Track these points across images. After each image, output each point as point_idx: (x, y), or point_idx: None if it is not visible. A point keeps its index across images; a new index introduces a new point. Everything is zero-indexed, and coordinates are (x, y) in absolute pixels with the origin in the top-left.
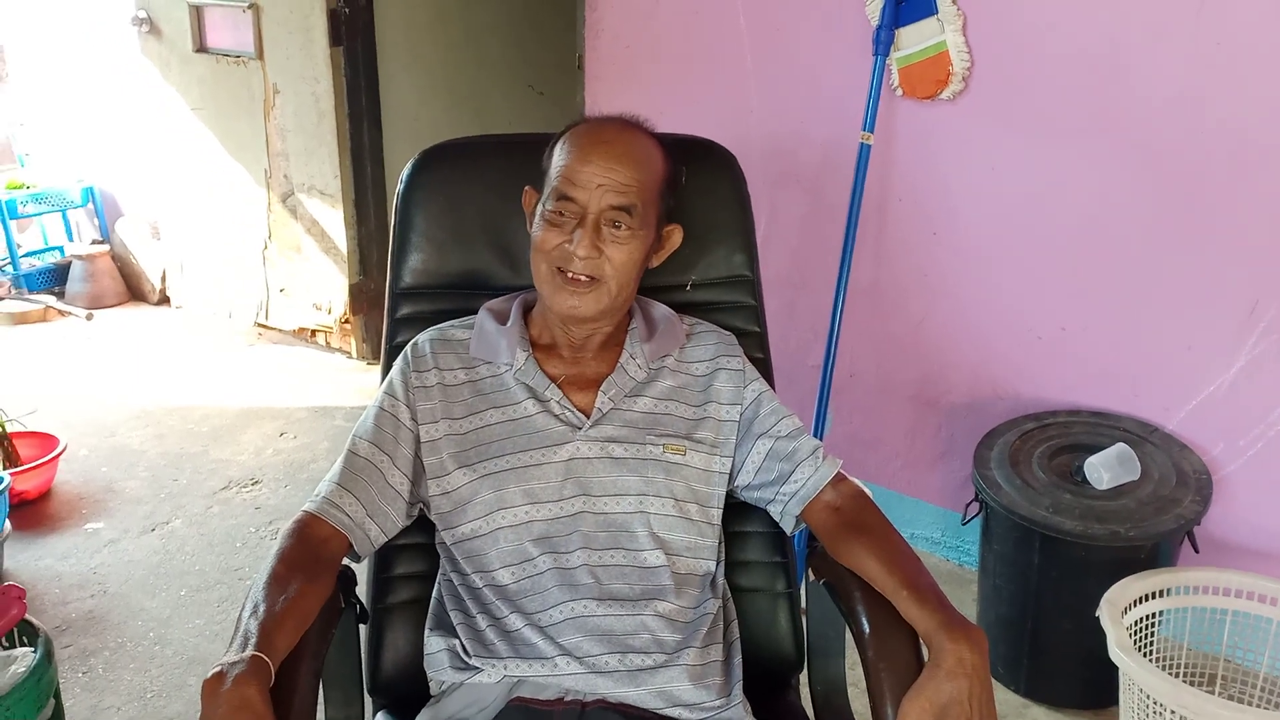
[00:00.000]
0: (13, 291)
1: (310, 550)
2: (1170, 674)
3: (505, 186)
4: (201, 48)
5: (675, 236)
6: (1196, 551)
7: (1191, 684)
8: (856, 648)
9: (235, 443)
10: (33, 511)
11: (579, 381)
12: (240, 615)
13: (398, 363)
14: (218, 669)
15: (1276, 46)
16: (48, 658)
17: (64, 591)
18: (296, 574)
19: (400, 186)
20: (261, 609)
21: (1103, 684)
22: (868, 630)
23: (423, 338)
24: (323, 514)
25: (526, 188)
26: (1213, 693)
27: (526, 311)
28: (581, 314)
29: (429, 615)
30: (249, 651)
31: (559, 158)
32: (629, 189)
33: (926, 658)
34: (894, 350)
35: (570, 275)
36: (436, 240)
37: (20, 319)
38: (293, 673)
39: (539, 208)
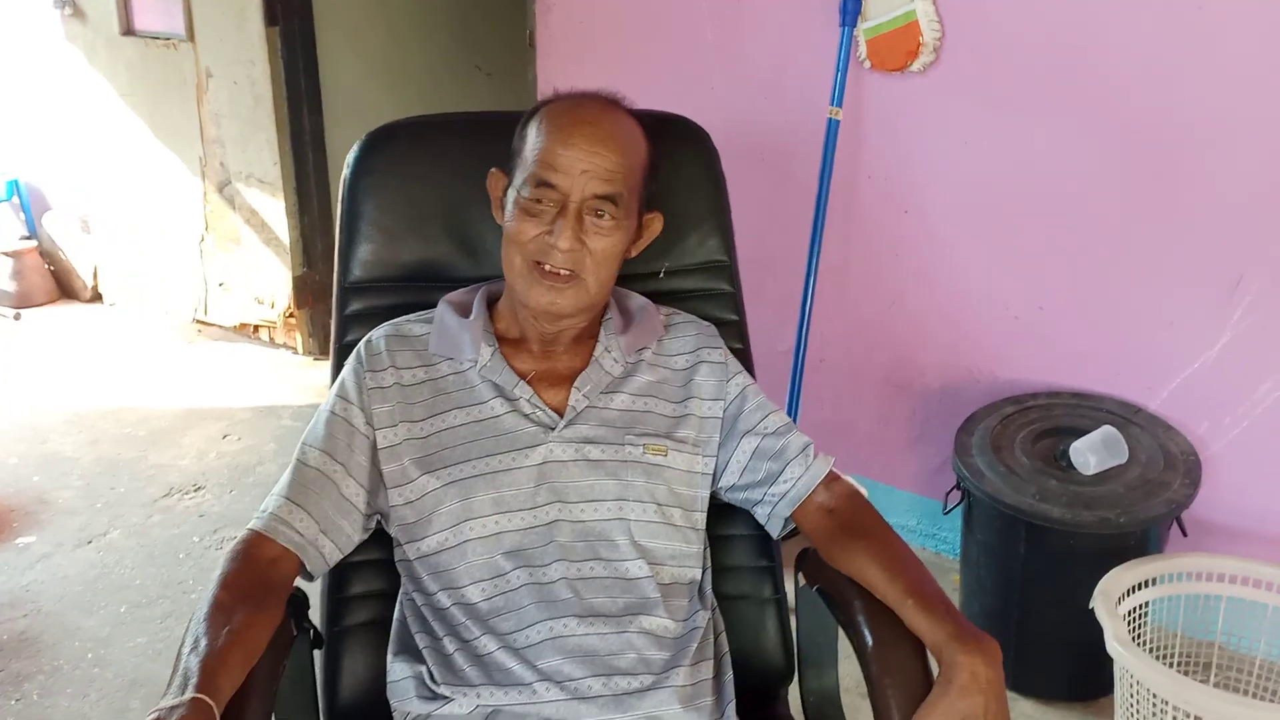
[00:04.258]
0: None
1: (257, 573)
2: (1164, 663)
3: (463, 169)
4: (129, 30)
5: (656, 224)
6: (1185, 535)
7: (1186, 672)
8: (858, 661)
9: (176, 446)
10: None
11: (550, 378)
12: (180, 651)
13: (349, 362)
14: (155, 715)
15: (1252, 14)
16: None
17: None
18: (242, 602)
19: (346, 171)
20: (203, 644)
21: (1092, 675)
22: (870, 643)
23: (377, 334)
24: (271, 532)
25: (493, 170)
26: (1207, 680)
27: (491, 304)
28: (559, 309)
29: (391, 639)
30: (189, 694)
31: (535, 139)
32: (615, 176)
33: (936, 672)
34: (865, 333)
35: (548, 269)
36: (388, 229)
37: None
38: (240, 713)
39: (511, 194)
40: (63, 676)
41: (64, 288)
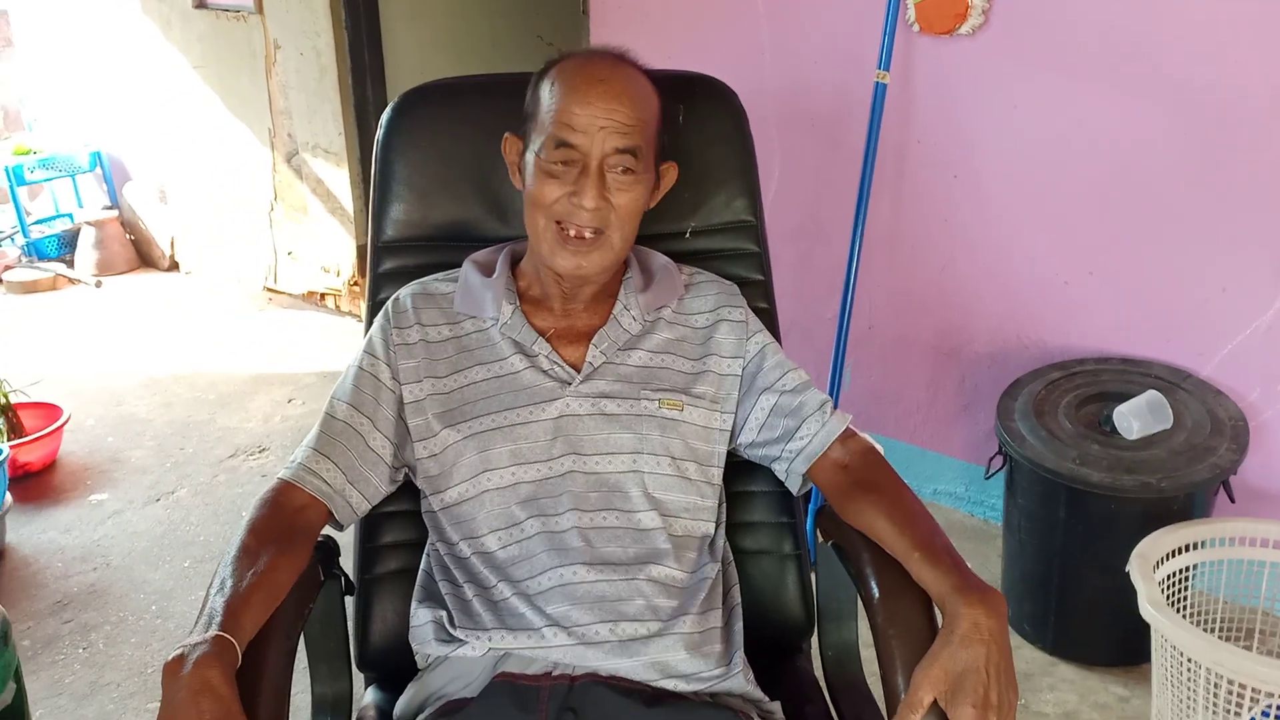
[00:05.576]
0: (23, 260)
1: (284, 520)
2: (1205, 629)
3: (494, 130)
4: (201, 3)
5: (671, 174)
6: (1233, 501)
7: (1228, 639)
8: (866, 613)
9: (243, 410)
10: (37, 483)
11: (569, 335)
12: (208, 592)
13: (378, 319)
14: (179, 651)
15: None
16: (4, 639)
17: (66, 565)
18: (267, 546)
19: (380, 132)
20: (228, 585)
21: (1133, 641)
22: (877, 595)
23: (404, 292)
24: (299, 481)
25: (507, 135)
26: (1250, 647)
27: (515, 263)
28: (585, 273)
29: (417, 586)
30: (212, 631)
31: (549, 100)
32: (632, 129)
33: (940, 623)
34: (914, 300)
35: (573, 232)
36: (420, 189)
37: (30, 288)
38: (262, 651)
39: (529, 157)
40: (127, 627)
41: (144, 256)
